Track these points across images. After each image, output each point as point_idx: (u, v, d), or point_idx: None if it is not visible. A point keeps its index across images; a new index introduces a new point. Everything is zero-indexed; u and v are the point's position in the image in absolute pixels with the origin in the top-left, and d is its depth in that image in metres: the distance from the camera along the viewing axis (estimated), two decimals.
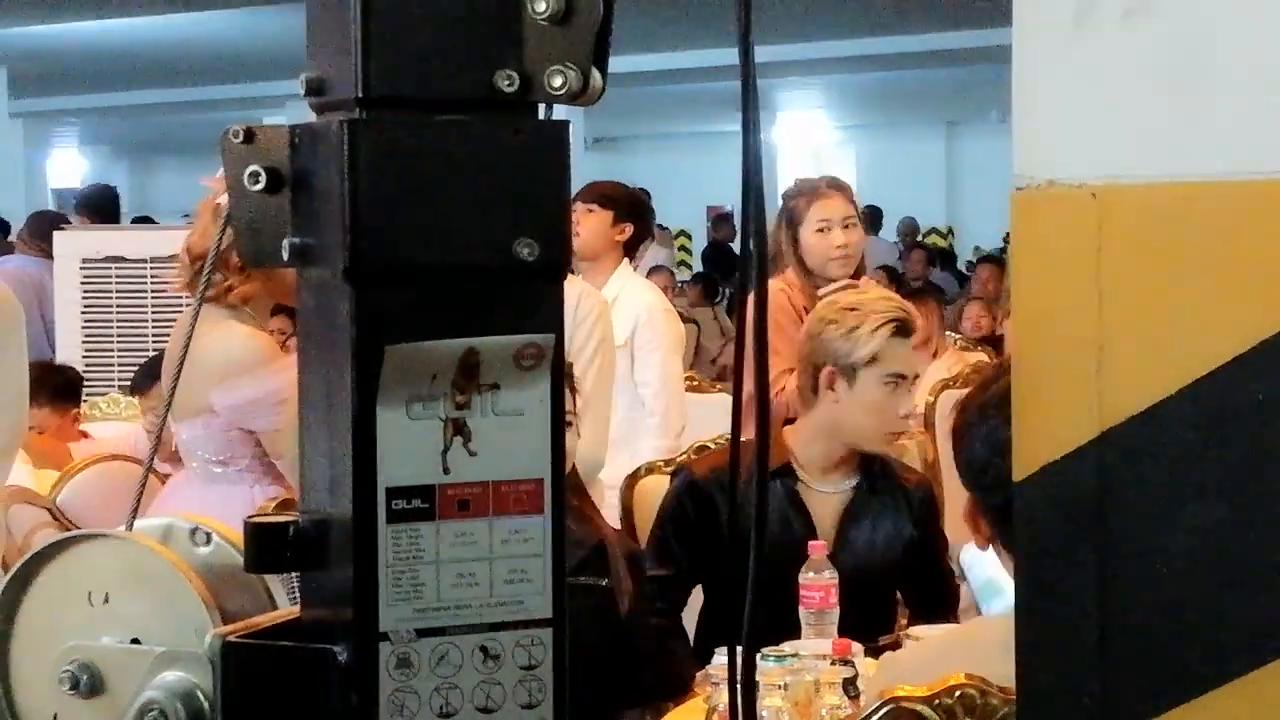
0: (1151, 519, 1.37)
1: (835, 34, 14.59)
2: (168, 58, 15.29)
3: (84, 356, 6.44)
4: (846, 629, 3.25)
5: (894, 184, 19.24)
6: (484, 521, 1.36)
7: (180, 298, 5.59)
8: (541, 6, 1.34)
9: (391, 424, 1.33)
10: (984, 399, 2.25)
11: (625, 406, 5.06)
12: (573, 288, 4.52)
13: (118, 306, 6.50)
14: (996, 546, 2.27)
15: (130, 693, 1.42)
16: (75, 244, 6.77)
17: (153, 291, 6.43)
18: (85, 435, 5.51)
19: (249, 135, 1.40)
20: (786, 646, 3.05)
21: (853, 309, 3.69)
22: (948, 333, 8.01)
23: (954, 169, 22.32)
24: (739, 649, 1.45)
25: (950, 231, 21.16)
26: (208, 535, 1.49)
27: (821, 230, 4.70)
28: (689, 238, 20.81)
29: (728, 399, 3.33)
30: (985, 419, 2.22)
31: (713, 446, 4.28)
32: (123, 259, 6.53)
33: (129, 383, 5.69)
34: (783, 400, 4.16)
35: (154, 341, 6.29)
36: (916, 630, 3.36)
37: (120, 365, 6.12)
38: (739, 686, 1.46)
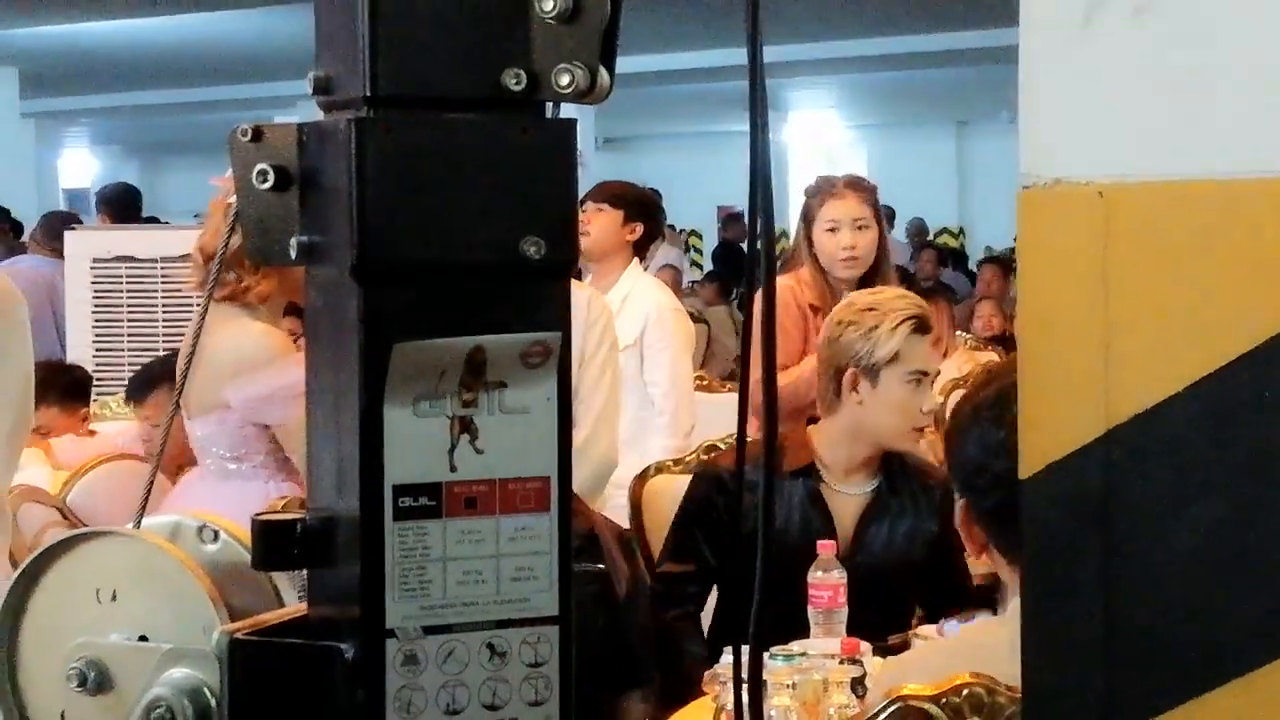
0: (1157, 517, 1.37)
1: (846, 34, 14.58)
2: (179, 58, 15.31)
3: (94, 356, 6.45)
4: (865, 630, 3.25)
5: (905, 184, 19.21)
6: (490, 519, 1.36)
7: (193, 297, 5.60)
8: (549, 5, 1.34)
9: (398, 421, 1.33)
10: (976, 402, 2.24)
11: (634, 406, 5.06)
12: (581, 290, 4.52)
13: (128, 306, 6.51)
14: (990, 553, 2.26)
15: (138, 690, 1.42)
16: (86, 244, 6.78)
17: (163, 291, 6.44)
18: (94, 434, 5.52)
19: (257, 134, 1.40)
20: (795, 646, 3.05)
21: (870, 309, 3.70)
22: (958, 332, 8.00)
23: (965, 169, 22.30)
24: (745, 648, 1.46)
25: (961, 231, 21.15)
26: (215, 533, 1.49)
27: (831, 230, 4.71)
28: (699, 237, 20.82)
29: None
30: (978, 422, 2.21)
31: (722, 446, 4.28)
32: (133, 259, 6.54)
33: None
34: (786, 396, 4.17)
35: (164, 341, 6.30)
36: (925, 630, 3.36)
37: (130, 365, 6.11)
38: (745, 684, 1.46)
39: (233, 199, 1.42)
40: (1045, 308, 1.42)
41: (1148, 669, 1.38)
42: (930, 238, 18.07)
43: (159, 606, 1.45)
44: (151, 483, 1.54)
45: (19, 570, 1.50)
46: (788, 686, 2.82)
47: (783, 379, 4.13)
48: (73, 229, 7.36)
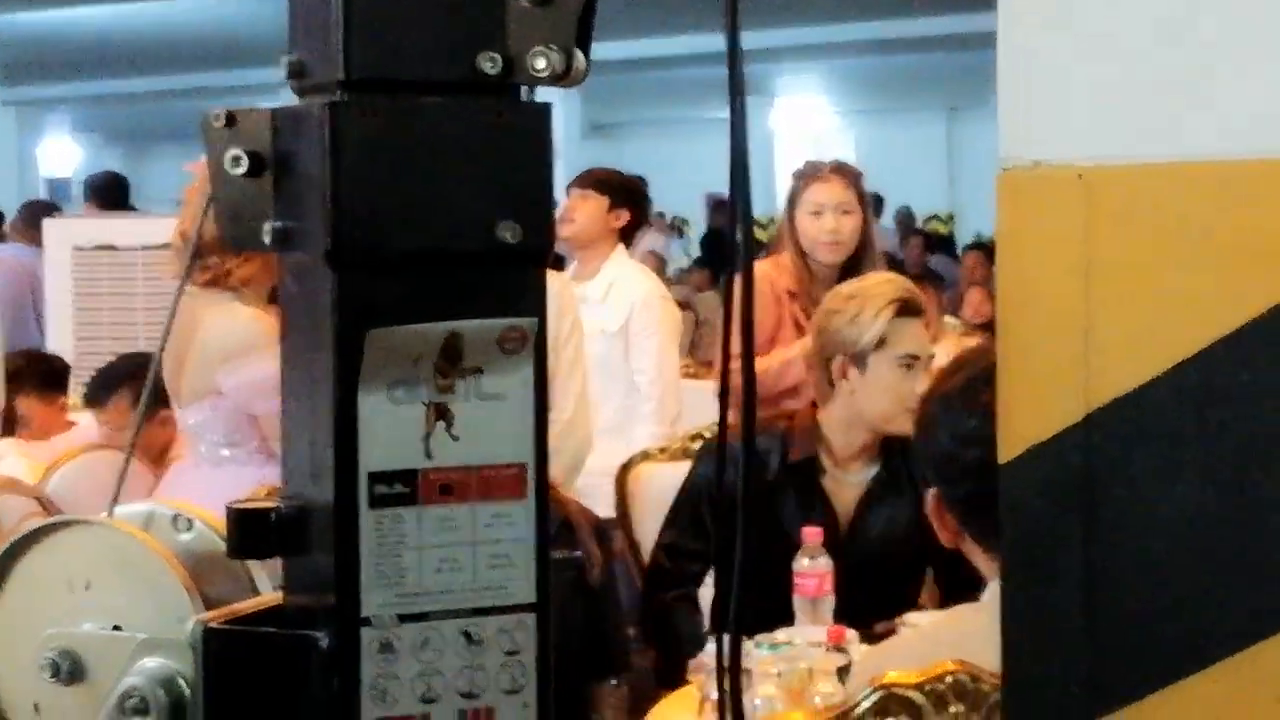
0: (1138, 500, 1.36)
1: (835, 18, 14.55)
2: (161, 45, 15.26)
3: (75, 345, 6.42)
4: (865, 616, 3.25)
5: (895, 170, 19.20)
6: (467, 506, 1.35)
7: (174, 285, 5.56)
8: None
9: (373, 408, 1.32)
10: (946, 390, 2.23)
11: (621, 394, 5.05)
12: (553, 280, 4.51)
13: (109, 295, 6.49)
14: (963, 541, 2.25)
15: (111, 679, 1.41)
16: (66, 232, 6.75)
17: (144, 280, 6.42)
18: (73, 424, 5.50)
19: (230, 119, 1.39)
20: (780, 634, 3.04)
21: (853, 296, 3.69)
22: (946, 318, 7.99)
23: (955, 154, 22.27)
24: (726, 635, 1.45)
25: (951, 218, 21.14)
26: (189, 521, 1.48)
27: (815, 214, 4.69)
28: (687, 224, 20.80)
29: None
30: (948, 410, 2.20)
31: (707, 435, 4.27)
32: (114, 247, 6.51)
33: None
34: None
35: (145, 330, 6.27)
36: (912, 617, 3.35)
37: (111, 354, 6.09)
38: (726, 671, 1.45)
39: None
40: (1025, 290, 1.42)
41: (1129, 654, 1.37)
42: (920, 224, 18.06)
43: (133, 596, 1.44)
44: (125, 472, 1.53)
45: None
46: (774, 675, 2.82)
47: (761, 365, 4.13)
48: (51, 217, 7.33)
